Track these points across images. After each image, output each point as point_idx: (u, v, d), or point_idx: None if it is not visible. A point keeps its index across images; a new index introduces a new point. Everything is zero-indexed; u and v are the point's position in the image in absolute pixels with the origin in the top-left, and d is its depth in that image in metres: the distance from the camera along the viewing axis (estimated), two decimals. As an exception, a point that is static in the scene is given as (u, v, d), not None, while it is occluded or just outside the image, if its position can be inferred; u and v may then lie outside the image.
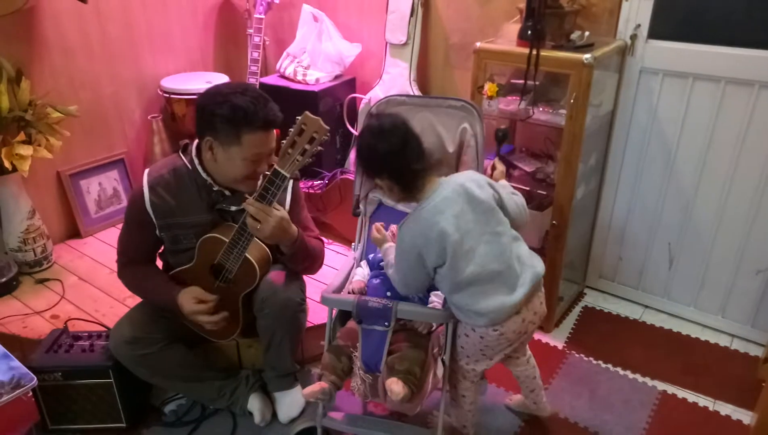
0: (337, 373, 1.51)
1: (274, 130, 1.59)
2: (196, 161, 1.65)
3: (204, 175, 1.65)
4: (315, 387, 1.46)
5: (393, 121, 1.46)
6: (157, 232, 1.70)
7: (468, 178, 1.48)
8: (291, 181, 1.71)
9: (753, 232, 2.11)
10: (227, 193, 1.68)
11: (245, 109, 1.50)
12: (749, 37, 1.93)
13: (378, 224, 1.66)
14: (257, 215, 1.53)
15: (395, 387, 1.37)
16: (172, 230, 1.69)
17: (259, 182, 1.68)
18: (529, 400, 1.81)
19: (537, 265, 1.49)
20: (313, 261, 1.79)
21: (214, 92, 1.56)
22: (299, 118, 1.46)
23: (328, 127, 1.47)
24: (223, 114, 1.51)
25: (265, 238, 1.58)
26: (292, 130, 1.47)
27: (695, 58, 2.04)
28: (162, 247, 1.78)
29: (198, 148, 1.66)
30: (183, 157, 1.68)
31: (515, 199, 1.55)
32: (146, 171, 1.69)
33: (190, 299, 1.66)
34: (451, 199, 1.43)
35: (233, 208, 1.69)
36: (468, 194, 1.44)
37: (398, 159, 1.42)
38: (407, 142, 1.43)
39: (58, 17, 2.45)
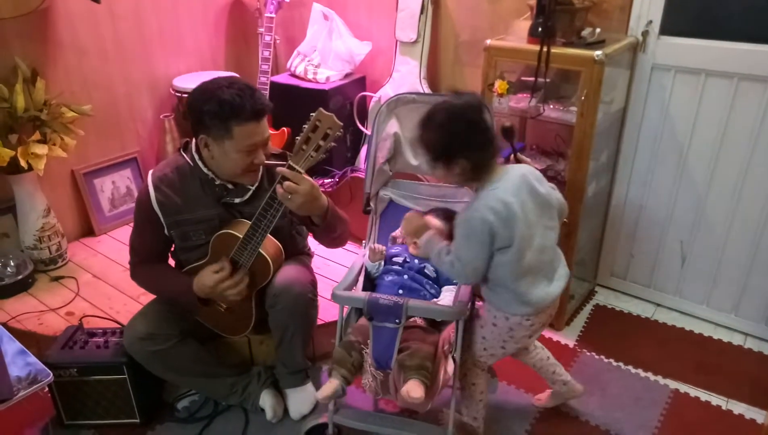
0: (347, 368, 1.52)
1: (265, 119, 1.60)
2: (196, 157, 1.67)
3: (205, 170, 1.67)
4: (327, 389, 1.47)
5: (469, 99, 1.43)
6: (166, 230, 1.72)
7: (528, 171, 1.49)
8: None
9: (767, 230, 2.09)
10: (230, 186, 1.70)
11: (231, 103, 1.52)
12: (762, 32, 1.91)
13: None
14: (288, 187, 1.52)
15: (414, 393, 1.38)
16: (180, 227, 1.71)
17: (259, 175, 1.69)
18: (558, 384, 1.82)
19: (565, 265, 1.58)
20: (344, 227, 1.80)
21: (201, 90, 1.58)
22: (313, 114, 1.47)
23: (341, 124, 1.48)
24: (211, 110, 1.53)
25: (297, 207, 1.57)
26: (305, 126, 1.48)
27: (708, 55, 2.02)
28: (173, 246, 1.80)
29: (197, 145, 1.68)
30: (184, 155, 1.71)
31: (557, 195, 1.58)
32: (150, 172, 1.73)
33: (208, 273, 1.66)
34: (518, 186, 1.43)
35: (237, 201, 1.71)
36: (529, 185, 1.45)
37: (478, 136, 1.40)
38: (485, 118, 1.41)
39: (72, 18, 2.48)
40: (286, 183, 1.52)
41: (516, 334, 1.54)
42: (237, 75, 2.92)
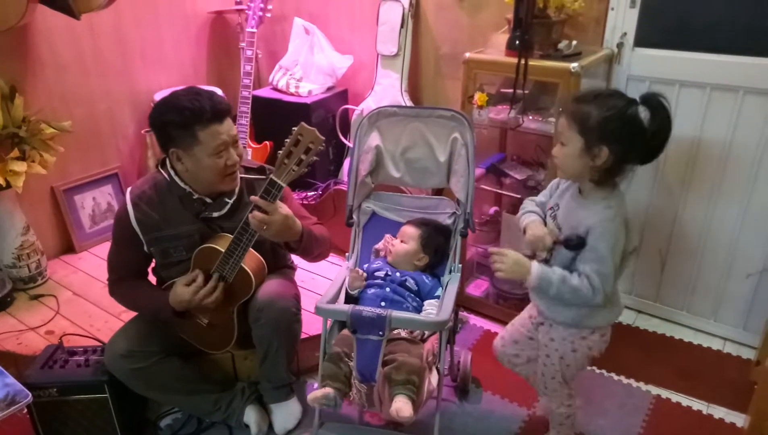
0: (340, 380, 1.51)
1: (228, 118, 1.62)
2: (173, 172, 1.67)
3: (182, 184, 1.67)
4: (318, 393, 1.46)
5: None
6: (145, 248, 1.72)
7: None
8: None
9: (742, 236, 2.14)
10: (208, 200, 1.70)
11: (191, 108, 1.54)
12: (733, 43, 1.97)
13: None
14: (261, 219, 1.53)
15: (403, 413, 1.38)
16: (161, 244, 1.71)
17: (238, 179, 1.70)
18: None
19: None
20: (323, 247, 1.81)
21: (159, 105, 1.61)
22: (295, 128, 1.48)
23: (323, 138, 1.49)
24: (173, 120, 1.56)
25: (271, 236, 1.59)
26: (287, 140, 1.48)
27: (681, 65, 2.07)
28: (153, 263, 1.79)
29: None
30: (162, 172, 1.71)
31: None
32: (128, 189, 1.73)
33: (181, 286, 1.65)
34: None
35: (216, 215, 1.71)
36: None
37: (636, 133, 1.34)
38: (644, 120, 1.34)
39: (51, 34, 2.46)
40: (260, 215, 1.53)
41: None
42: (220, 91, 2.95)
